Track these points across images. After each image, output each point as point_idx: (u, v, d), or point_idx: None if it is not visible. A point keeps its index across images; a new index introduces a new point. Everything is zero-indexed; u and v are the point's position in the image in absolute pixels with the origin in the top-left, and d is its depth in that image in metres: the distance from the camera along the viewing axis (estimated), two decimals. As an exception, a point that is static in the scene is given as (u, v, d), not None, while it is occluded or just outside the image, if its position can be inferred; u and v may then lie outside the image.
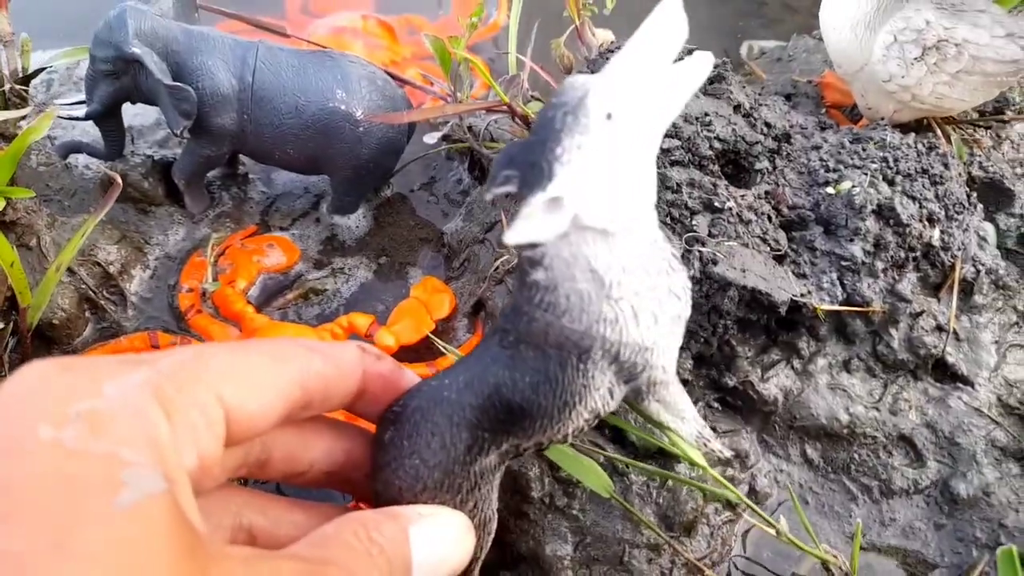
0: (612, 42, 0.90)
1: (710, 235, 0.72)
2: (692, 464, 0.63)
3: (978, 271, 0.80)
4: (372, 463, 0.49)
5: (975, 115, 0.96)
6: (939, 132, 0.88)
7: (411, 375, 0.50)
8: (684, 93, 0.45)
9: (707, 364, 0.75)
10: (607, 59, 0.83)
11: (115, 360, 0.34)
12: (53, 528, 0.26)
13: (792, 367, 0.76)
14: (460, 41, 0.77)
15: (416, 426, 0.47)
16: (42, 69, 0.92)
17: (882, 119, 0.90)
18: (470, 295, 0.84)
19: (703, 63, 0.45)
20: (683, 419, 0.59)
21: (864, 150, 0.80)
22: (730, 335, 0.74)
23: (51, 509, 0.27)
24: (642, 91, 0.43)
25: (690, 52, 0.46)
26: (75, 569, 0.26)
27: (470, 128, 0.90)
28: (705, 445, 0.60)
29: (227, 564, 0.32)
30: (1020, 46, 0.84)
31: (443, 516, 0.46)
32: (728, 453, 0.67)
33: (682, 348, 0.72)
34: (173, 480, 0.30)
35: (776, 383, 0.75)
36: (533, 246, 0.44)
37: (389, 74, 0.89)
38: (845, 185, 0.75)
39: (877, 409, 0.76)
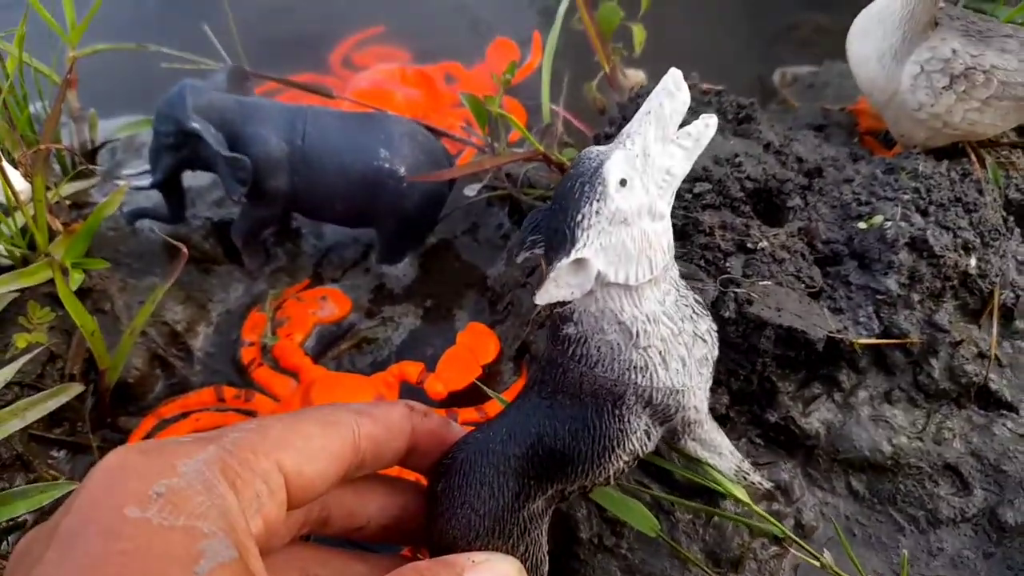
0: (643, 85, 0.93)
1: (744, 276, 0.74)
2: (735, 500, 0.65)
3: (1017, 296, 0.80)
4: (426, 514, 0.53)
5: (1013, 135, 0.96)
6: (973, 157, 0.88)
7: (458, 428, 0.54)
8: (692, 154, 0.49)
9: (748, 400, 0.77)
10: (638, 103, 0.85)
11: (186, 440, 0.38)
12: None
13: (833, 400, 0.77)
14: (495, 99, 0.81)
15: (465, 477, 0.51)
16: (108, 141, 0.99)
17: (915, 146, 0.91)
18: (514, 339, 0.87)
19: (707, 126, 0.48)
20: (720, 455, 0.62)
21: (896, 181, 0.81)
22: (770, 371, 0.75)
23: None
24: (652, 157, 0.47)
25: (696, 115, 0.49)
26: None
27: (508, 175, 0.93)
28: (744, 478, 0.63)
29: None
30: (1051, 69, 0.84)
31: (496, 561, 0.49)
32: (768, 485, 0.69)
33: (722, 385, 0.75)
34: (243, 546, 0.35)
35: (818, 416, 0.76)
36: (563, 304, 0.49)
37: (430, 128, 0.93)
38: (877, 219, 0.77)
39: (921, 439, 0.76)
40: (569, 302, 0.49)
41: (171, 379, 0.87)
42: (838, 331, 0.73)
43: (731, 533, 0.71)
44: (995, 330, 0.79)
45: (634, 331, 0.49)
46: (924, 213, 0.78)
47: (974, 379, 0.76)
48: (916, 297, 0.76)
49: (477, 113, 0.83)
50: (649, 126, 0.47)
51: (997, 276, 0.79)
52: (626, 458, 0.53)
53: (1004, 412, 0.77)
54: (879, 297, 0.75)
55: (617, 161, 0.46)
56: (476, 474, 0.51)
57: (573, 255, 0.46)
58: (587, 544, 0.69)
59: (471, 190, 0.87)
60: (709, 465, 0.62)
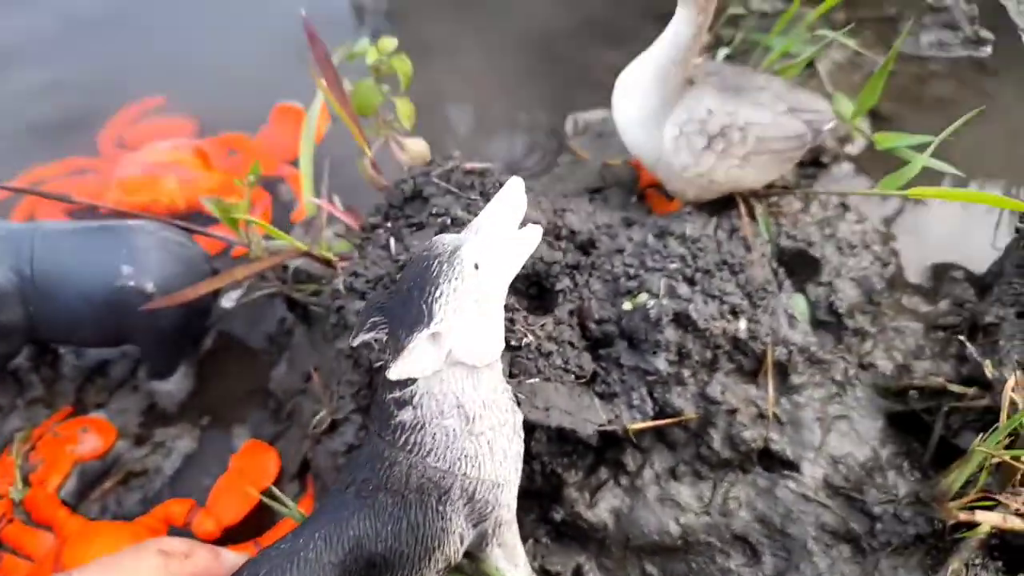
0: (431, 160, 0.88)
1: (511, 376, 0.71)
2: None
3: (790, 351, 0.81)
4: None
5: (782, 181, 0.98)
6: (743, 208, 0.89)
7: (231, 556, 0.50)
8: (526, 252, 0.54)
9: (533, 497, 0.74)
10: (411, 185, 0.81)
11: None
12: None
13: (620, 485, 0.76)
14: (241, 206, 0.75)
15: None
16: None
17: (689, 201, 0.91)
18: (296, 453, 0.81)
19: (535, 233, 0.55)
20: (516, 567, 0.61)
21: (666, 247, 0.80)
22: (553, 465, 0.73)
23: None
24: (498, 249, 0.52)
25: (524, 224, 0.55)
26: None
27: (285, 268, 0.87)
28: None
29: None
30: (802, 120, 0.85)
31: None
32: None
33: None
34: None
35: (606, 505, 0.75)
36: (404, 386, 0.50)
37: (189, 229, 0.86)
38: (641, 298, 0.75)
39: (708, 513, 0.76)
40: (412, 384, 0.50)
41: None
42: (610, 421, 0.72)
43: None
44: (771, 389, 0.79)
45: (472, 415, 0.51)
46: (691, 282, 0.78)
47: (752, 445, 0.76)
48: (687, 372, 0.75)
49: (225, 218, 0.77)
50: (495, 221, 0.52)
51: (768, 335, 0.80)
52: (441, 564, 0.52)
53: (786, 472, 0.78)
54: (650, 378, 0.74)
55: (473, 246, 0.50)
56: None
57: (432, 327, 0.47)
58: None
59: (229, 300, 0.81)
60: None
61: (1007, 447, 0.71)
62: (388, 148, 0.93)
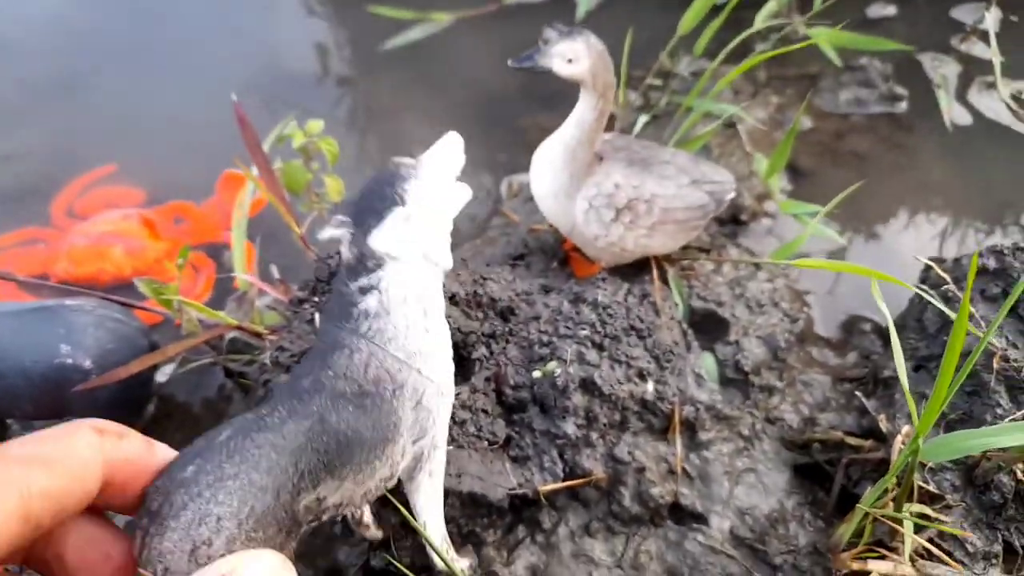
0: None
1: (426, 444, 0.75)
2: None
3: (697, 409, 0.86)
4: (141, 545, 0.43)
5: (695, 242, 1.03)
6: (655, 273, 0.94)
7: (165, 451, 0.45)
8: (459, 204, 0.60)
9: (453, 559, 0.78)
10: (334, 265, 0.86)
11: None
12: None
13: (536, 542, 0.80)
14: (171, 287, 0.79)
15: (232, 456, 0.44)
16: None
17: (607, 265, 0.96)
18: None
19: (468, 191, 0.61)
20: (432, 517, 0.64)
21: (578, 314, 0.85)
22: (471, 526, 0.77)
23: None
24: (439, 189, 0.58)
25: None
26: None
27: (213, 346, 0.91)
28: (448, 554, 0.65)
29: None
30: (704, 191, 0.91)
31: (262, 554, 0.42)
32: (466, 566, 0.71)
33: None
34: None
35: (523, 563, 0.79)
36: (370, 272, 0.53)
37: (129, 304, 0.90)
38: (550, 366, 0.80)
39: (620, 567, 0.80)
40: (373, 272, 0.53)
41: None
42: (520, 484, 0.76)
43: None
44: (679, 447, 0.84)
45: (427, 310, 0.55)
46: (600, 348, 0.83)
47: (661, 501, 0.81)
48: (595, 435, 0.80)
49: (157, 298, 0.81)
50: (435, 164, 0.59)
51: (676, 395, 0.84)
52: (388, 469, 0.53)
53: (695, 525, 0.82)
54: (560, 441, 0.78)
55: (432, 157, 0.57)
56: (249, 452, 0.44)
57: (407, 208, 0.54)
58: None
59: (163, 375, 0.85)
60: (424, 536, 0.63)
61: (898, 497, 0.76)
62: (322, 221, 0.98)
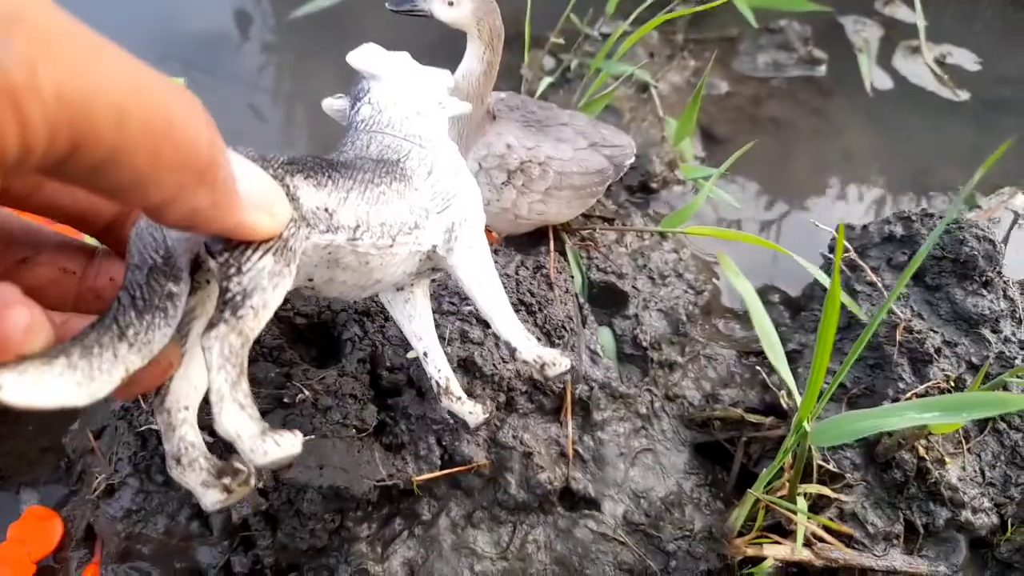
0: None
1: (286, 432, 0.68)
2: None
3: (591, 388, 0.80)
4: None
5: (611, 204, 0.98)
6: (551, 244, 0.88)
7: None
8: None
9: (320, 555, 0.72)
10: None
11: None
12: None
13: (414, 535, 0.74)
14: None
15: None
16: None
17: (507, 235, 0.90)
18: (82, 518, 0.77)
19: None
20: (490, 297, 0.59)
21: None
22: (339, 522, 0.70)
23: None
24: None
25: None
26: None
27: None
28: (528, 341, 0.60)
29: None
30: (603, 155, 0.85)
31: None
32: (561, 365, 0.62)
33: (286, 549, 0.69)
34: None
35: (400, 558, 0.73)
36: (364, 92, 0.57)
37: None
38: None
39: (505, 559, 0.75)
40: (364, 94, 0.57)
41: None
42: (391, 475, 0.70)
43: None
44: (570, 429, 0.79)
45: (423, 112, 0.57)
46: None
47: (549, 487, 0.75)
48: (477, 418, 0.74)
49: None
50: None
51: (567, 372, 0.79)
52: (406, 210, 0.52)
53: (587, 511, 0.77)
54: (436, 427, 0.72)
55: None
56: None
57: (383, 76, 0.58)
58: None
59: None
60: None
61: (791, 480, 0.72)
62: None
